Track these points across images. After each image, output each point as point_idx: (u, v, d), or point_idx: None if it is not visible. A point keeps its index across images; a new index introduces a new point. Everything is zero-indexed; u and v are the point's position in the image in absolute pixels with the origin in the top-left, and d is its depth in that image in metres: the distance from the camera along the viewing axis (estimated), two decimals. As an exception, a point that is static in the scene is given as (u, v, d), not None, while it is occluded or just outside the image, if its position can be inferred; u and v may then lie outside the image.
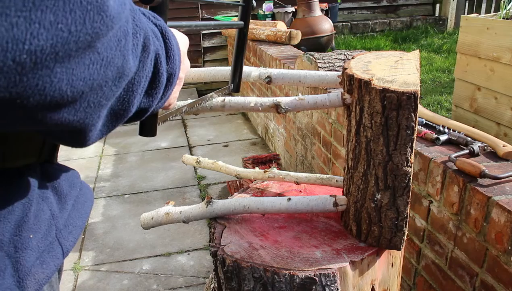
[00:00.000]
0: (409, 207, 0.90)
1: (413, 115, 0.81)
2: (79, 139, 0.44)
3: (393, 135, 0.84)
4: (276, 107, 0.90)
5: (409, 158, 0.85)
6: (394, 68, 0.92)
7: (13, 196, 0.50)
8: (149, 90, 0.50)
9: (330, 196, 0.97)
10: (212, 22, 0.72)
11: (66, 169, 0.62)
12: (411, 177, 0.88)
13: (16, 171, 0.51)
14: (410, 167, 0.86)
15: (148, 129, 0.63)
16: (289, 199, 0.99)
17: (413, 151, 0.87)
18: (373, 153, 0.86)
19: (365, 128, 0.86)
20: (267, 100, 0.92)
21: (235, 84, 0.88)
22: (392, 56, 1.01)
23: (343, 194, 0.99)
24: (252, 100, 0.92)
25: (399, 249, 0.94)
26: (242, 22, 0.82)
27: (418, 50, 1.08)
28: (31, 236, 0.50)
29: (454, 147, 1.43)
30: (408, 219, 0.92)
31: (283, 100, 0.91)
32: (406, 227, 0.92)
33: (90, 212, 0.64)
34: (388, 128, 0.83)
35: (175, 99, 0.62)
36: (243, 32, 0.83)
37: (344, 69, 0.90)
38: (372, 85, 0.82)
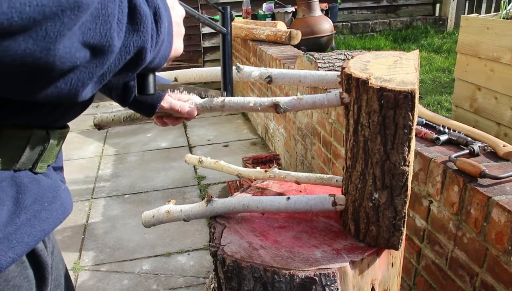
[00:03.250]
0: (407, 207, 0.90)
1: (410, 114, 0.81)
2: (58, 79, 0.43)
3: (390, 135, 0.84)
4: (275, 107, 0.90)
5: (406, 157, 0.85)
6: (393, 68, 0.92)
7: None
8: (133, 24, 0.48)
9: (329, 195, 0.97)
10: (197, 14, 0.70)
11: (45, 182, 0.59)
12: (408, 176, 0.87)
13: None
14: (408, 166, 0.86)
15: (147, 86, 0.61)
16: (288, 198, 0.99)
17: (412, 150, 0.86)
18: (371, 152, 0.86)
19: (363, 127, 0.86)
20: (266, 100, 0.92)
21: (228, 91, 0.88)
22: (392, 56, 1.01)
23: (342, 193, 0.99)
24: (251, 100, 0.93)
25: (397, 249, 0.94)
26: (225, 28, 0.82)
27: (417, 50, 1.08)
28: None
29: (454, 147, 1.43)
30: (406, 219, 0.92)
31: (282, 100, 0.91)
32: (404, 227, 0.92)
33: (52, 230, 0.59)
34: (386, 127, 0.83)
35: (180, 50, 0.61)
36: (226, 38, 0.83)
37: (343, 68, 0.90)
38: (369, 84, 0.82)
